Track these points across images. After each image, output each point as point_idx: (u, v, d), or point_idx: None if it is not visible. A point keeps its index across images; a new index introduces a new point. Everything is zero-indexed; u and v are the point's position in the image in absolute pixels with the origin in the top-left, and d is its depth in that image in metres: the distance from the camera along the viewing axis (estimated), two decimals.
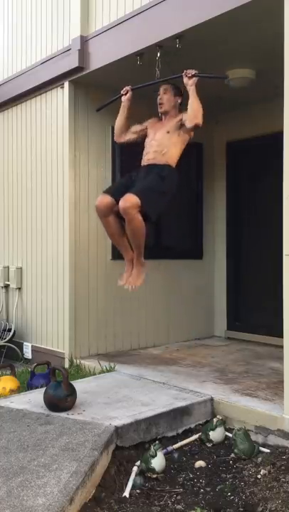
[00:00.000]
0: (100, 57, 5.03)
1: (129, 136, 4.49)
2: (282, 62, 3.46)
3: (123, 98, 4.43)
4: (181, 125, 4.18)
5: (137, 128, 4.47)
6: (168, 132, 4.21)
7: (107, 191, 4.28)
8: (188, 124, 4.07)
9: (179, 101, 4.32)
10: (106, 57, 4.95)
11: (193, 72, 4.10)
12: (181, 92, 4.31)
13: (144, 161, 4.26)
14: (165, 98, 4.30)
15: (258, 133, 6.04)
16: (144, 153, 4.29)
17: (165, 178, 4.10)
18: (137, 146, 4.43)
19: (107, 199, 4.10)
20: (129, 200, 3.85)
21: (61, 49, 5.54)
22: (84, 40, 5.19)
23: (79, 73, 5.26)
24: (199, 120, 4.03)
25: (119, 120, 4.44)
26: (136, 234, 4.04)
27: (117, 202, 3.97)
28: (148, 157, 4.23)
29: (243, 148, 6.44)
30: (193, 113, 4.03)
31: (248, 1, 3.77)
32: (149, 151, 4.25)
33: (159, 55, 4.49)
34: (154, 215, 4.07)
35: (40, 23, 5.92)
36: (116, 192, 4.13)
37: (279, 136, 3.60)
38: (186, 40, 4.33)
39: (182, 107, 4.27)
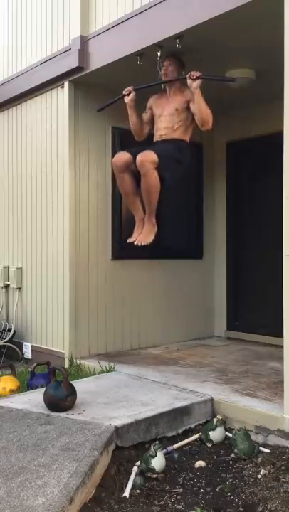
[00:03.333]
0: (100, 57, 5.03)
1: (145, 128, 4.55)
2: (282, 62, 3.46)
3: (126, 99, 4.43)
4: (188, 106, 4.26)
5: (146, 117, 4.54)
6: (176, 110, 4.27)
7: (125, 150, 4.36)
8: (200, 126, 4.15)
9: (183, 73, 4.37)
10: (106, 57, 4.95)
11: (198, 74, 4.10)
12: (184, 64, 4.41)
13: (157, 137, 4.33)
14: (170, 69, 4.40)
15: (258, 133, 6.05)
16: (155, 129, 4.36)
17: (182, 149, 4.20)
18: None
19: (126, 155, 4.22)
20: (147, 155, 3.98)
21: (61, 49, 5.54)
22: (84, 40, 5.19)
23: (79, 73, 5.26)
24: (209, 126, 4.14)
25: (132, 122, 4.51)
26: (150, 190, 4.11)
27: (135, 160, 4.08)
28: (160, 133, 4.32)
29: (243, 148, 6.44)
30: (202, 120, 4.11)
31: (248, 1, 3.77)
32: (159, 126, 4.33)
33: (159, 55, 4.49)
34: (170, 179, 4.15)
35: (40, 23, 5.92)
36: (133, 150, 4.24)
37: (279, 136, 3.60)
38: (186, 40, 4.33)
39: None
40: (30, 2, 6.12)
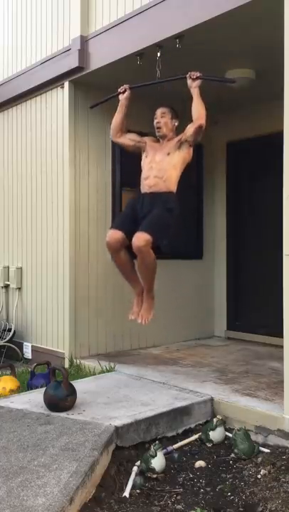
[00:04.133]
0: (100, 57, 5.03)
1: (126, 140, 4.45)
2: (282, 62, 3.46)
3: (121, 96, 4.42)
4: (181, 144, 4.19)
5: (135, 137, 4.44)
6: (168, 154, 4.19)
7: (115, 226, 4.26)
8: (192, 126, 4.08)
9: (176, 124, 4.31)
10: (106, 57, 4.95)
11: (197, 74, 4.09)
12: (177, 115, 4.32)
13: (145, 187, 4.22)
14: (163, 122, 4.29)
15: (258, 133, 6.04)
16: (144, 176, 4.26)
17: (172, 209, 4.12)
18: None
19: (118, 234, 4.10)
20: (143, 239, 3.88)
21: (61, 49, 5.54)
22: (84, 40, 5.19)
23: (79, 73, 5.26)
24: (203, 121, 4.05)
25: (117, 118, 4.42)
26: (149, 269, 4.10)
27: (127, 236, 4.02)
28: (149, 183, 4.19)
29: (243, 148, 6.44)
30: (198, 114, 4.05)
31: (248, 1, 3.77)
32: (149, 175, 4.21)
33: (159, 55, 4.49)
34: (165, 247, 4.11)
35: (40, 23, 5.92)
36: (124, 225, 4.16)
37: (279, 136, 3.60)
38: (186, 40, 4.33)
39: (178, 131, 4.28)
40: (30, 2, 6.12)
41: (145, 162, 4.30)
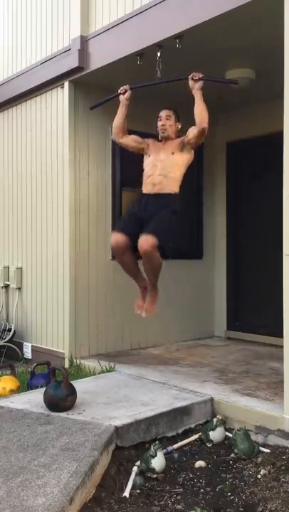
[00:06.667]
0: (100, 57, 5.03)
1: (128, 141, 4.45)
2: (282, 62, 3.46)
3: (121, 97, 4.41)
4: (184, 146, 4.19)
5: (137, 139, 4.43)
6: (172, 153, 4.20)
7: (119, 228, 4.25)
8: (195, 129, 4.07)
9: (179, 126, 4.32)
10: (106, 57, 4.95)
11: (200, 75, 4.07)
12: (179, 118, 4.33)
13: (148, 186, 4.21)
14: (168, 124, 4.28)
15: (258, 133, 6.04)
16: (148, 174, 4.24)
17: (177, 212, 4.13)
18: None
19: (122, 238, 4.11)
20: (149, 243, 3.88)
21: (61, 49, 5.54)
22: (84, 40, 5.19)
23: (79, 73, 5.26)
24: (206, 124, 4.05)
25: (118, 119, 4.41)
26: (154, 268, 4.13)
27: (131, 237, 4.03)
28: (153, 180, 4.18)
29: (243, 148, 6.44)
30: (201, 117, 4.04)
31: (248, 1, 3.77)
32: (153, 173, 4.19)
33: (159, 55, 4.49)
34: (170, 248, 4.11)
35: (40, 23, 5.92)
36: (127, 228, 4.16)
37: (279, 136, 3.60)
38: (186, 40, 4.33)
39: (181, 134, 4.28)
40: (30, 2, 6.12)
41: (148, 161, 4.30)
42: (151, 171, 4.23)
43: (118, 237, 4.14)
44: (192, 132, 4.13)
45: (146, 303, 4.30)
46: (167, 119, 4.29)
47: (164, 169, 4.17)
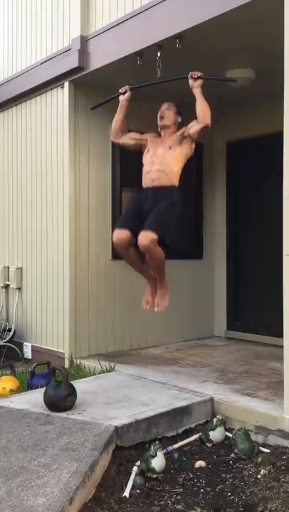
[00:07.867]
0: (100, 57, 5.03)
1: (127, 140, 4.46)
2: (282, 63, 3.46)
3: (121, 97, 4.41)
4: (183, 139, 4.19)
5: (136, 136, 4.45)
6: (170, 148, 4.20)
7: (120, 225, 4.25)
8: (198, 126, 4.08)
9: (179, 120, 4.33)
10: (106, 57, 4.95)
11: (199, 74, 4.09)
12: (181, 113, 4.34)
13: (148, 181, 4.22)
14: (167, 113, 4.30)
15: (258, 133, 6.04)
16: (146, 170, 4.25)
17: (176, 204, 4.13)
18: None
19: (124, 234, 4.11)
20: (148, 238, 3.89)
21: (61, 49, 5.54)
22: (84, 40, 5.19)
23: (79, 73, 5.26)
24: (208, 121, 4.06)
25: (117, 119, 4.42)
26: (158, 263, 4.15)
27: (133, 233, 4.03)
28: (151, 176, 4.19)
29: (243, 148, 6.44)
30: (203, 114, 4.05)
31: (248, 1, 3.77)
32: (151, 169, 4.21)
33: (159, 55, 4.49)
34: (171, 241, 4.12)
35: (40, 23, 5.92)
36: (129, 223, 4.16)
37: (279, 136, 3.60)
38: (186, 40, 4.33)
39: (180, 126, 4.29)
40: (30, 2, 6.12)
41: (146, 157, 4.31)
42: (149, 167, 4.24)
43: (119, 234, 4.14)
44: (194, 128, 4.13)
45: (157, 297, 4.34)
46: (167, 109, 4.32)
47: (162, 165, 4.18)
